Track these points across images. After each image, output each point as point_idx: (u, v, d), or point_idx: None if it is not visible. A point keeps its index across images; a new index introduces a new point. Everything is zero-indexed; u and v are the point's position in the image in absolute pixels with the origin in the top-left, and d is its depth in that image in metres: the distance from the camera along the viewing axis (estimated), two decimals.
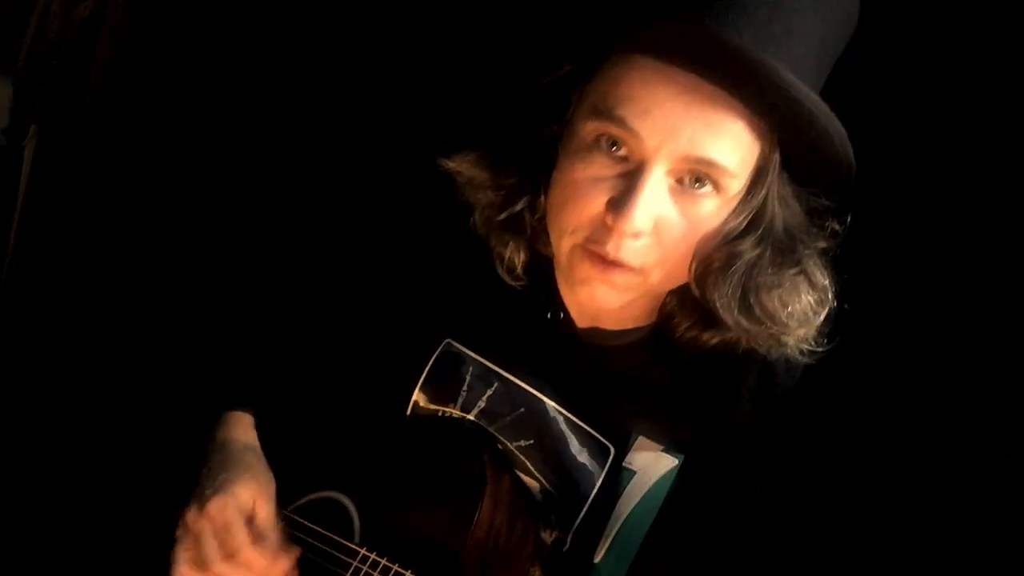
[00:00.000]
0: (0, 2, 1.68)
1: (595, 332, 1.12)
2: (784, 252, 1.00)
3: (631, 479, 1.09)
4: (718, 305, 0.99)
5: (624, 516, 1.08)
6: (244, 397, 1.17)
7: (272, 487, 1.10)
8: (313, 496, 1.14)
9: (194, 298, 1.72)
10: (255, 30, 1.74)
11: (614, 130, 0.95)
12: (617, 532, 1.08)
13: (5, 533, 1.54)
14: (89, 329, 1.76)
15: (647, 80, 0.94)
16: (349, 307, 1.22)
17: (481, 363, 1.13)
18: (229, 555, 1.03)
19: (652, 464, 1.08)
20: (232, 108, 1.75)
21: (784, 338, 1.01)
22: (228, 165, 1.74)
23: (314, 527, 1.11)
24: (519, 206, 1.05)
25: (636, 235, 0.95)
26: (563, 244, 1.00)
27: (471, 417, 1.12)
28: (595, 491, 1.09)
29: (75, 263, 1.77)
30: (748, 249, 0.98)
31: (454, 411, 1.13)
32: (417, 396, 1.14)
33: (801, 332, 1.01)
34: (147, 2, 1.74)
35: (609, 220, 0.95)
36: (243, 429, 1.15)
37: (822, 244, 1.02)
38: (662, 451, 1.09)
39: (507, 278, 1.09)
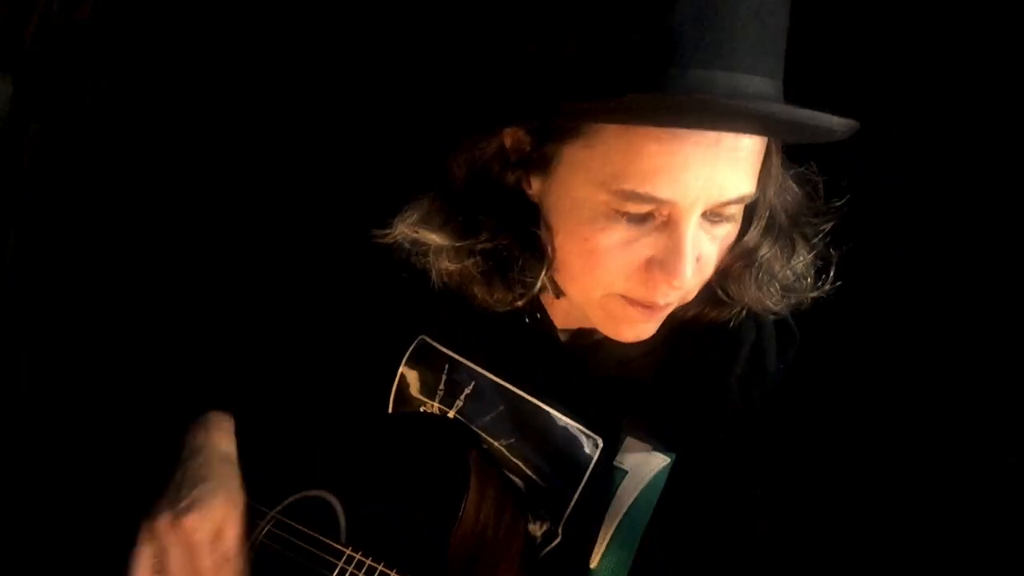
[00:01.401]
0: (0, 2, 1.68)
1: (576, 332, 1.12)
2: (794, 240, 1.04)
3: (623, 479, 1.07)
4: (742, 300, 1.03)
5: (619, 517, 1.07)
6: (225, 398, 1.16)
7: (242, 505, 1.09)
8: (299, 495, 1.13)
9: (184, 298, 1.73)
10: (255, 30, 1.74)
11: (641, 207, 0.92)
12: (613, 534, 1.07)
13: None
14: (88, 329, 1.76)
15: (665, 150, 0.90)
16: (328, 303, 1.21)
17: (458, 361, 1.11)
18: (192, 573, 1.03)
19: (644, 463, 1.07)
20: (232, 108, 1.75)
21: (779, 306, 1.05)
22: (225, 165, 1.75)
23: (299, 527, 1.10)
24: (520, 267, 0.99)
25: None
26: (594, 295, 0.99)
27: (452, 414, 1.11)
28: (583, 483, 1.08)
29: (75, 263, 1.78)
30: (766, 251, 1.02)
31: (435, 407, 1.12)
32: (395, 392, 1.12)
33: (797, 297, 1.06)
34: (147, 2, 1.74)
35: (656, 278, 0.94)
36: (222, 436, 1.13)
37: (824, 225, 1.04)
38: (652, 450, 1.08)
39: (483, 307, 1.05)
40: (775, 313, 1.07)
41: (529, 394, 1.10)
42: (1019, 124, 1.29)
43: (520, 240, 0.99)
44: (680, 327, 1.07)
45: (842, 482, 1.11)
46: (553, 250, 0.99)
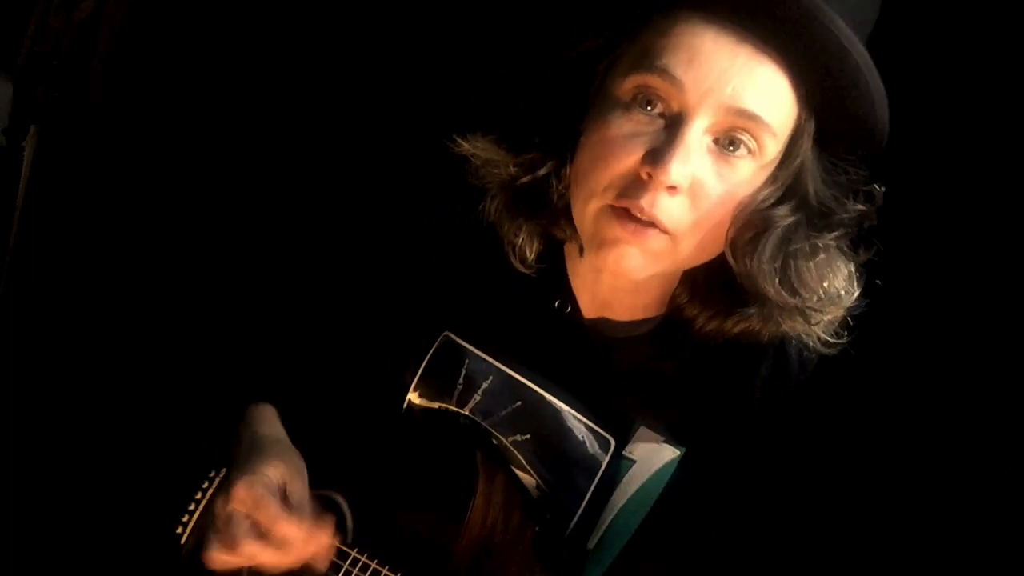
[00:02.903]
0: (0, 2, 1.68)
1: (602, 323, 1.10)
2: (818, 222, 0.99)
3: (630, 468, 1.07)
4: (756, 274, 0.96)
5: (621, 504, 1.07)
6: (264, 391, 1.14)
7: (303, 468, 1.04)
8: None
9: (194, 297, 1.73)
10: (255, 29, 1.74)
11: (656, 81, 0.93)
12: (612, 520, 1.07)
13: (10, 532, 1.55)
14: (88, 329, 1.76)
15: (693, 29, 0.92)
16: (348, 301, 1.21)
17: (479, 356, 1.11)
18: (262, 532, 0.95)
19: (652, 454, 1.07)
20: (232, 106, 1.75)
21: (815, 317, 0.99)
22: (229, 162, 1.74)
23: None
24: (542, 171, 1.01)
25: (673, 189, 0.93)
26: (591, 207, 0.97)
27: (466, 412, 1.11)
28: (594, 485, 1.08)
29: (75, 263, 1.78)
30: (784, 215, 0.97)
31: (450, 406, 1.11)
32: (413, 392, 1.12)
33: (830, 315, 1.00)
34: (147, 2, 1.74)
35: (645, 172, 0.93)
36: (269, 424, 1.10)
37: (859, 208, 1.00)
38: (664, 442, 1.08)
39: (518, 265, 1.06)
40: (799, 322, 1.00)
41: (546, 391, 1.10)
42: (1018, 123, 1.30)
43: (553, 153, 1.01)
44: (708, 337, 1.04)
45: (842, 482, 1.12)
46: (575, 158, 0.99)
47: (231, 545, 0.94)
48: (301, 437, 1.14)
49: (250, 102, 1.76)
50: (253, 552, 0.94)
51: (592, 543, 1.09)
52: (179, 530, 1.15)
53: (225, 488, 0.97)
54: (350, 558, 1.03)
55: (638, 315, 1.09)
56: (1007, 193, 1.31)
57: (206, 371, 1.23)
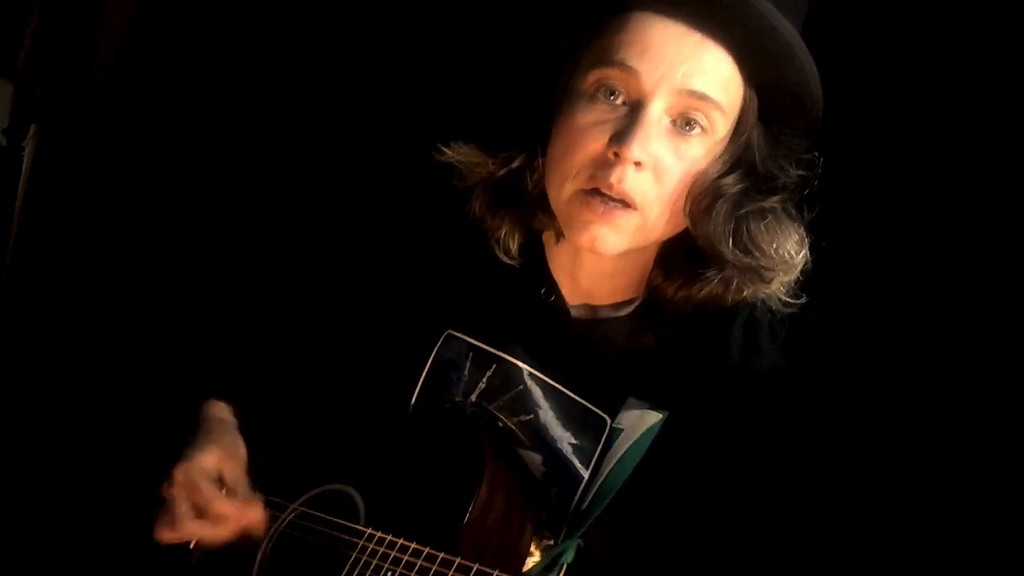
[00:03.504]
0: (0, 2, 1.68)
1: (586, 308, 1.17)
2: (764, 187, 1.09)
3: (618, 436, 1.13)
4: (712, 238, 1.07)
5: (608, 469, 1.12)
6: (226, 390, 1.23)
7: (239, 450, 1.16)
8: (321, 489, 1.15)
9: (192, 297, 1.73)
10: (255, 30, 1.75)
11: (615, 73, 1.04)
12: (599, 484, 1.11)
13: (10, 533, 1.55)
14: (88, 328, 1.76)
15: (643, 25, 1.05)
16: (352, 305, 1.25)
17: (480, 347, 1.17)
18: (200, 511, 1.08)
19: (637, 420, 1.12)
20: (232, 107, 1.75)
21: (770, 275, 1.08)
22: (228, 164, 1.75)
23: (322, 515, 1.12)
24: (516, 163, 1.12)
25: (638, 165, 1.03)
26: (564, 192, 1.07)
27: (472, 399, 1.16)
28: (593, 462, 1.12)
29: (75, 263, 1.78)
30: (734, 183, 1.07)
31: (456, 397, 1.16)
32: (420, 388, 1.17)
33: (785, 277, 1.09)
34: (147, 2, 1.74)
35: (612, 152, 1.03)
36: (219, 408, 1.21)
37: (800, 173, 1.09)
38: (648, 408, 1.13)
39: (503, 257, 1.15)
40: (756, 282, 1.09)
41: (544, 375, 1.16)
42: (1012, 119, 1.31)
43: (530, 151, 1.11)
44: (679, 307, 1.13)
45: (827, 455, 1.13)
46: (548, 150, 1.10)
47: (172, 523, 1.07)
48: (311, 433, 1.19)
49: (250, 103, 1.76)
50: (192, 529, 1.08)
51: (583, 506, 1.13)
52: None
53: (178, 467, 1.10)
54: (366, 535, 1.07)
55: (619, 297, 1.16)
56: (999, 188, 1.33)
57: (207, 372, 1.27)
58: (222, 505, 1.08)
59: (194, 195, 1.77)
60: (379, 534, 1.07)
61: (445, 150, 1.14)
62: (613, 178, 1.03)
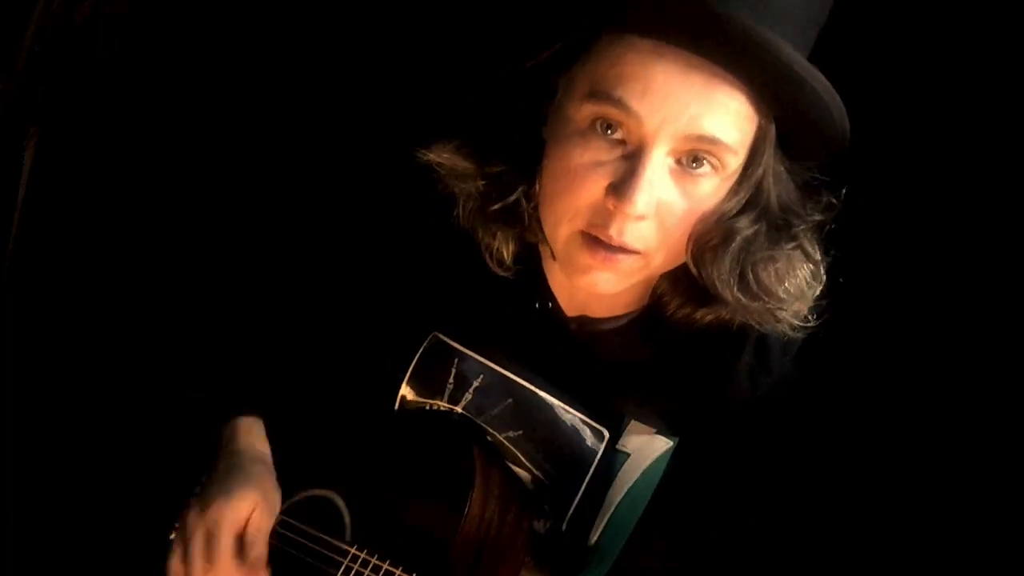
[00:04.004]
0: (0, 2, 1.68)
1: (584, 320, 1.12)
2: (780, 228, 1.00)
3: (624, 461, 1.09)
4: (716, 282, 0.99)
5: (619, 498, 1.08)
6: (252, 399, 1.17)
7: (276, 501, 1.10)
8: (304, 494, 1.13)
9: (191, 299, 1.73)
10: (255, 30, 1.74)
11: (613, 112, 0.94)
12: (612, 514, 1.09)
13: (10, 534, 1.54)
14: (88, 330, 1.76)
15: (644, 60, 0.92)
16: (336, 305, 1.23)
17: (468, 355, 1.13)
18: (210, 560, 1.05)
19: (646, 446, 1.09)
20: (232, 107, 1.75)
21: (780, 313, 1.01)
22: (229, 163, 1.75)
23: (305, 528, 1.10)
24: (514, 196, 1.03)
25: (640, 218, 0.95)
26: (560, 231, 0.99)
27: (459, 410, 1.13)
28: (588, 477, 1.09)
29: (75, 263, 1.78)
30: (745, 226, 0.98)
31: (442, 404, 1.13)
32: (404, 390, 1.14)
33: (796, 307, 1.02)
34: (148, 2, 1.74)
35: (611, 204, 0.94)
36: (255, 438, 1.15)
37: (817, 218, 1.01)
38: (655, 433, 1.09)
39: (495, 268, 1.09)
40: (766, 318, 1.03)
41: (537, 387, 1.12)
42: (1008, 117, 1.29)
43: (519, 167, 1.03)
44: (680, 325, 1.08)
45: (838, 469, 1.11)
46: (541, 178, 1.01)
47: (186, 561, 1.05)
48: (294, 437, 1.16)
49: (250, 103, 1.76)
50: (199, 573, 1.06)
51: (593, 539, 1.09)
52: (172, 535, 1.16)
53: (202, 502, 1.05)
54: (350, 555, 1.04)
55: (618, 311, 1.12)
56: (996, 192, 1.31)
57: (198, 372, 1.24)
58: (230, 568, 1.05)
59: (194, 195, 1.77)
60: (363, 555, 1.04)
61: (427, 153, 1.07)
62: (612, 230, 0.95)
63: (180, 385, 1.24)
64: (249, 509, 1.07)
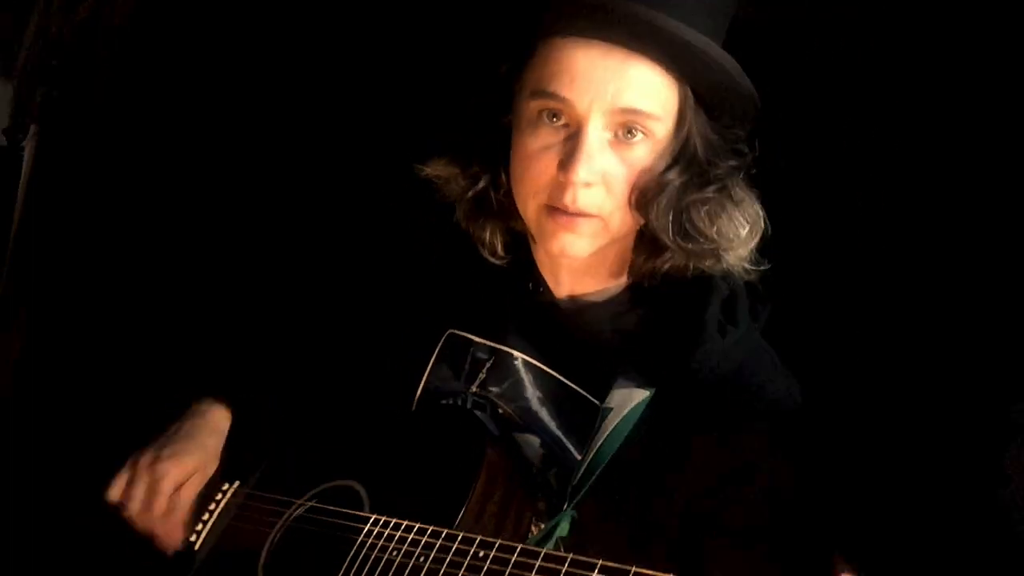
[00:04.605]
0: (0, 2, 1.68)
1: (573, 298, 1.23)
2: (705, 174, 1.16)
3: (608, 415, 1.17)
4: (658, 230, 1.15)
5: (598, 445, 1.15)
6: (223, 388, 1.28)
7: (212, 473, 1.25)
8: (327, 485, 1.17)
9: (195, 298, 1.73)
10: (255, 30, 1.75)
11: (551, 103, 1.12)
12: (590, 460, 1.15)
13: (10, 535, 1.55)
14: (89, 328, 1.76)
15: (568, 54, 1.11)
16: (354, 306, 1.31)
17: (479, 342, 1.23)
18: (146, 508, 1.19)
19: (626, 398, 1.17)
20: (233, 107, 1.76)
21: (723, 254, 1.16)
22: (226, 165, 1.75)
23: (329, 507, 1.14)
24: (481, 183, 1.21)
25: (587, 184, 1.11)
26: (529, 208, 1.16)
27: (474, 390, 1.21)
28: (589, 447, 1.15)
29: (75, 263, 1.78)
30: (675, 177, 1.14)
31: (458, 387, 1.21)
32: (424, 385, 1.22)
33: (739, 251, 1.17)
34: (147, 2, 1.74)
35: (562, 177, 1.11)
36: (221, 417, 1.28)
37: (734, 163, 1.17)
38: (635, 387, 1.17)
39: (491, 259, 1.24)
40: (711, 260, 1.15)
41: (539, 362, 1.22)
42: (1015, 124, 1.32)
43: (493, 168, 1.21)
44: (650, 279, 1.20)
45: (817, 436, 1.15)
46: (508, 171, 1.19)
47: (125, 498, 1.18)
48: (321, 432, 1.24)
49: (250, 104, 1.76)
50: (132, 512, 1.19)
51: (573, 483, 1.15)
52: (192, 537, 1.23)
53: (157, 450, 1.21)
54: (371, 519, 1.09)
55: (602, 286, 1.23)
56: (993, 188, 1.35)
57: (206, 371, 1.29)
58: (156, 521, 1.19)
59: (194, 195, 1.77)
60: (384, 518, 1.09)
61: (424, 167, 1.23)
62: (567, 199, 1.11)
63: (196, 382, 1.31)
64: (192, 471, 1.22)
